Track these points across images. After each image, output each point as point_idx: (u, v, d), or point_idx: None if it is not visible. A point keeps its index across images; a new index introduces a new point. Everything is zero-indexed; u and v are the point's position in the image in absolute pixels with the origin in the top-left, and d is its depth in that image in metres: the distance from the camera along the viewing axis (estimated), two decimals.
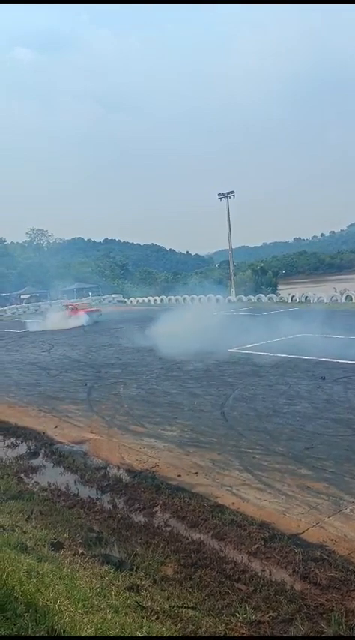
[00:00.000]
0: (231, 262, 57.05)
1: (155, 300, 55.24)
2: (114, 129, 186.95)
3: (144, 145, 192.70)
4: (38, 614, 2.67)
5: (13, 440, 11.35)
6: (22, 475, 9.25)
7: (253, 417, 11.61)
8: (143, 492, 8.13)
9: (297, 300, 45.20)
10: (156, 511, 7.53)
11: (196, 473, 8.72)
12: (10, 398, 15.14)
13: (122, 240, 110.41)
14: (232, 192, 54.49)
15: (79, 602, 4.21)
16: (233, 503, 7.50)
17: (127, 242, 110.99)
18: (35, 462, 9.93)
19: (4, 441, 11.36)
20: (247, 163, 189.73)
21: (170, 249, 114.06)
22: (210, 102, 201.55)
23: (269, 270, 64.18)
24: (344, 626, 4.66)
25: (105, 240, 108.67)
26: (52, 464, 9.84)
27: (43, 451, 10.50)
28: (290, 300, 45.81)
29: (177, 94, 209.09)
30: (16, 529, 6.35)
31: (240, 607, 5.10)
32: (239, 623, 4.84)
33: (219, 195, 54.94)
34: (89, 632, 3.16)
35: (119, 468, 9.28)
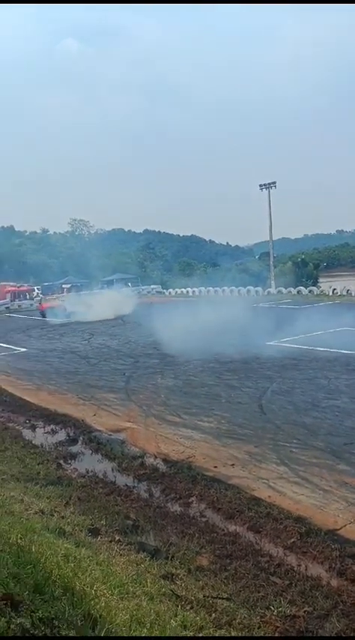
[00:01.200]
0: (271, 254, 56.50)
1: (194, 291, 55.21)
2: (156, 120, 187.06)
3: (185, 135, 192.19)
4: (75, 598, 2.71)
5: (52, 426, 11.56)
6: (61, 461, 9.42)
7: (291, 411, 11.50)
8: (179, 482, 8.17)
9: (338, 294, 44.40)
10: (192, 501, 7.56)
11: (232, 465, 8.70)
12: (50, 385, 15.43)
13: (162, 231, 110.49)
14: (274, 183, 53.92)
15: (115, 589, 4.27)
16: (269, 496, 7.46)
17: (167, 233, 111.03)
18: (74, 449, 10.10)
19: (44, 427, 11.58)
20: (290, 154, 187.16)
21: (209, 240, 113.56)
22: (254, 92, 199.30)
23: (310, 263, 63.16)
24: None
25: (145, 230, 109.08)
26: (90, 451, 9.99)
27: (81, 438, 10.67)
28: (331, 293, 45.06)
29: (220, 83, 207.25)
30: (55, 514, 6.47)
31: (275, 600, 5.07)
32: (273, 617, 4.81)
33: (261, 186, 54.44)
34: (124, 618, 3.19)
35: (156, 457, 9.35)
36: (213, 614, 4.69)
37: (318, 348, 18.52)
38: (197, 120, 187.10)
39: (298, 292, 47.73)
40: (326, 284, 51.52)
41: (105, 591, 3.98)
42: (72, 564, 3.93)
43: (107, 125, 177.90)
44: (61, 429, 11.37)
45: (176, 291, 57.36)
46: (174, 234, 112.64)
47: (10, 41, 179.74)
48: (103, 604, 3.34)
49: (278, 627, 4.67)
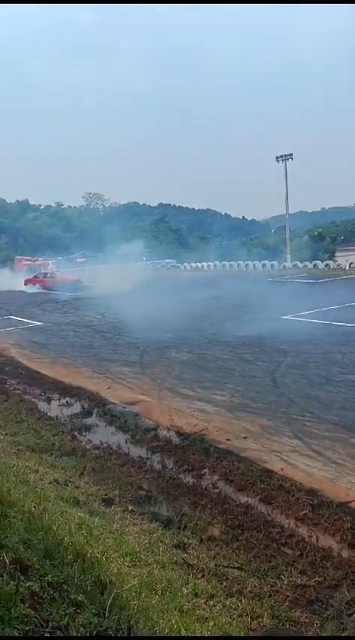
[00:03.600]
0: (287, 228, 55.89)
1: (209, 265, 54.98)
2: (171, 91, 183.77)
3: (201, 107, 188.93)
4: (86, 564, 2.75)
5: (67, 399, 11.67)
6: (76, 433, 9.53)
7: (305, 385, 11.48)
8: (192, 454, 8.24)
9: None
10: (205, 473, 7.62)
11: (245, 437, 8.74)
12: (65, 358, 15.55)
13: (177, 205, 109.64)
14: (291, 154, 53.14)
15: (126, 556, 4.35)
16: (281, 468, 7.49)
17: (182, 206, 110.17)
18: (88, 421, 10.21)
19: (59, 400, 11.71)
20: (308, 125, 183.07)
21: (225, 213, 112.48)
22: (272, 62, 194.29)
23: (327, 237, 62.25)
24: None
25: (160, 204, 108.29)
26: (104, 423, 10.09)
27: (96, 411, 10.77)
28: (347, 267, 44.60)
29: (237, 54, 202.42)
30: (69, 484, 6.57)
31: (286, 570, 5.13)
32: (284, 586, 4.88)
33: (277, 158, 53.66)
34: (134, 583, 3.25)
35: (169, 429, 9.42)
36: (224, 583, 4.77)
37: (334, 323, 18.41)
38: (214, 92, 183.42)
39: (314, 266, 47.32)
40: (343, 258, 50.89)
41: (116, 558, 4.05)
42: (84, 532, 3.99)
43: (122, 98, 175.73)
44: (76, 401, 11.48)
45: (191, 266, 57.17)
46: (190, 207, 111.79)
47: (28, 14, 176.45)
48: (114, 570, 3.40)
49: (288, 596, 4.74)
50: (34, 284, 38.23)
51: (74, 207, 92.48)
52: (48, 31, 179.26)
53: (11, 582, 2.09)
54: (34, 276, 39.81)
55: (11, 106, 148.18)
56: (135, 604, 2.73)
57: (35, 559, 2.44)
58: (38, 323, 22.86)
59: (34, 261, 51.40)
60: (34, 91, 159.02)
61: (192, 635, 3.20)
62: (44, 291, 36.29)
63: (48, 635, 1.87)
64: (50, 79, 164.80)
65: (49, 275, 39.48)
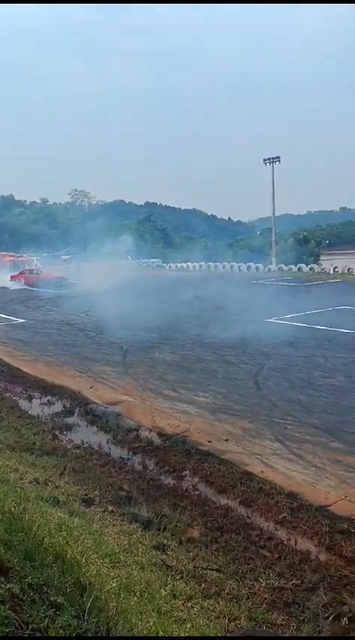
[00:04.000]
0: (273, 230, 56.09)
1: (194, 266, 55.05)
2: (161, 92, 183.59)
3: (189, 108, 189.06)
4: (65, 566, 2.76)
5: (49, 398, 11.62)
6: (57, 432, 9.50)
7: (287, 388, 11.57)
8: (173, 456, 8.26)
9: (340, 272, 44.34)
10: (186, 475, 7.65)
11: (227, 440, 8.78)
12: (47, 357, 15.46)
13: (163, 204, 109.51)
14: (278, 157, 53.31)
15: (106, 557, 4.35)
16: (262, 471, 7.54)
17: (168, 206, 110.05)
18: (70, 421, 10.17)
19: (40, 398, 11.64)
20: (295, 129, 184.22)
21: (211, 214, 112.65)
22: (261, 65, 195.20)
23: (313, 240, 62.76)
24: None
25: (147, 203, 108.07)
26: (86, 423, 10.07)
27: (77, 410, 10.74)
28: (332, 272, 44.99)
29: (227, 55, 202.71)
30: (49, 483, 6.55)
31: (264, 573, 5.18)
32: (262, 588, 4.92)
33: (265, 160, 53.81)
34: (113, 585, 3.25)
35: (151, 430, 9.43)
36: (203, 585, 4.79)
37: (317, 326, 18.55)
38: (202, 93, 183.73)
39: (299, 269, 47.63)
40: (327, 262, 51.33)
41: (96, 560, 4.05)
42: (64, 533, 3.99)
43: (110, 96, 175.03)
44: (58, 400, 11.44)
45: (176, 265, 57.21)
46: (176, 207, 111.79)
47: (26, 12, 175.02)
48: (94, 572, 3.41)
49: (266, 599, 4.78)
50: (20, 280, 38.12)
51: (60, 203, 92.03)
52: (45, 26, 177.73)
53: None
54: (20, 272, 39.62)
55: (2, 101, 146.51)
56: (113, 605, 2.74)
57: (16, 560, 2.44)
58: (21, 320, 22.70)
59: (18, 257, 50.97)
60: (25, 86, 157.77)
61: (169, 635, 3.21)
62: (28, 287, 36.11)
63: (27, 635, 1.87)
64: (44, 75, 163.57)
65: (34, 272, 39.27)
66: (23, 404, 11.25)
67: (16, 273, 39.82)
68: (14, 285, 37.27)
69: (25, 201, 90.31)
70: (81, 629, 2.14)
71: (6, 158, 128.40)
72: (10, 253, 52.41)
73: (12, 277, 38.77)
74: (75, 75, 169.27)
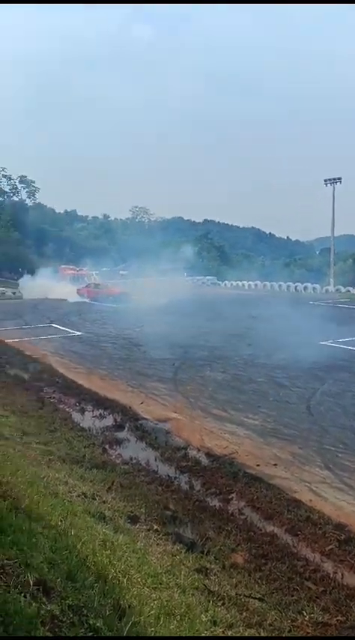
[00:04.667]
0: (332, 250, 55.23)
1: (249, 285, 54.80)
2: (220, 110, 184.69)
3: (250, 126, 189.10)
4: (106, 587, 2.80)
5: (101, 411, 11.80)
6: (107, 446, 9.62)
7: (340, 414, 11.30)
8: (220, 477, 8.20)
9: None
10: (232, 498, 7.58)
11: (275, 464, 8.66)
12: (101, 370, 15.75)
13: (221, 222, 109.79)
14: (339, 178, 52.70)
15: (148, 578, 4.36)
16: (310, 500, 7.39)
17: (226, 224, 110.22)
18: (120, 435, 10.29)
19: (92, 411, 11.85)
20: None
21: (270, 232, 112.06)
22: (324, 84, 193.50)
23: None
24: None
25: (205, 220, 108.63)
26: (135, 438, 10.16)
27: (128, 425, 10.85)
28: None
29: (287, 73, 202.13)
30: (97, 498, 6.63)
31: (308, 606, 5.05)
32: (305, 622, 4.80)
33: (326, 180, 53.32)
34: (154, 609, 3.27)
35: (199, 450, 9.41)
36: (244, 613, 4.72)
37: None
38: (262, 112, 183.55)
39: None
40: None
41: (138, 579, 4.08)
42: (108, 551, 4.04)
43: (170, 113, 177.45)
44: (109, 414, 11.60)
45: (231, 284, 57.11)
46: (234, 225, 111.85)
47: (84, 24, 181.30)
48: (135, 593, 3.43)
49: (308, 633, 4.66)
50: (84, 294, 39.08)
51: (120, 219, 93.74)
52: (98, 45, 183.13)
53: (33, 604, 2.15)
54: (85, 286, 40.63)
55: (61, 120, 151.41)
56: (152, 630, 2.76)
57: (58, 580, 2.50)
58: (78, 333, 23.23)
59: (78, 270, 52.28)
60: (83, 105, 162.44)
61: None
62: (92, 301, 36.89)
63: (49, 635, 1.91)
64: (100, 94, 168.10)
65: (99, 286, 40.11)
66: (76, 416, 11.48)
67: (82, 287, 40.78)
68: (75, 298, 38.17)
69: (88, 216, 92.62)
70: None
71: (71, 175, 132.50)
72: (71, 266, 53.85)
73: (78, 291, 39.78)
74: (132, 94, 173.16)
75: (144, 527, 6.23)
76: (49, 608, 2.21)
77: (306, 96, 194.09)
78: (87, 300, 37.51)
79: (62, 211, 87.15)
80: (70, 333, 23.27)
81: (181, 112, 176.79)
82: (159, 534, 6.08)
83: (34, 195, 75.91)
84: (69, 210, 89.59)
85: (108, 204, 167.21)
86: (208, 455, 9.16)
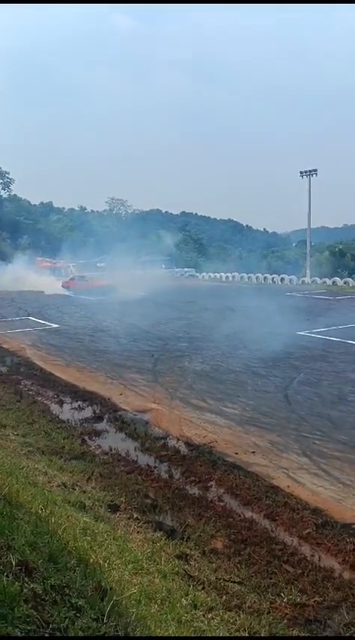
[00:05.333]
0: (308, 243, 55.69)
1: (227, 277, 55.06)
2: (199, 102, 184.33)
3: (228, 119, 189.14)
4: (88, 570, 2.83)
5: (79, 403, 11.78)
6: (86, 437, 9.62)
7: (317, 403, 11.47)
8: (200, 466, 8.28)
9: None
10: (211, 485, 7.65)
11: (254, 452, 8.76)
12: (79, 362, 15.70)
13: (199, 214, 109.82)
14: (315, 170, 53.08)
15: (129, 564, 4.41)
16: (288, 486, 7.50)
17: (204, 216, 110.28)
18: (99, 426, 10.29)
19: (71, 403, 11.82)
20: (333, 141, 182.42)
21: (247, 225, 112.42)
22: (301, 78, 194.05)
23: (348, 254, 61.88)
24: None
25: (182, 212, 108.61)
26: (114, 429, 10.17)
27: (107, 416, 10.86)
28: None
29: (269, 67, 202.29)
30: (76, 488, 6.65)
31: (286, 588, 5.15)
32: (283, 604, 4.89)
33: (301, 172, 53.63)
34: (134, 592, 3.31)
35: (178, 439, 9.47)
36: (224, 597, 4.80)
37: (349, 341, 18.33)
38: (240, 104, 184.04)
39: (333, 283, 47.10)
40: None
41: (119, 565, 4.12)
42: (88, 537, 4.07)
43: (150, 105, 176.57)
44: (88, 405, 11.58)
45: (209, 276, 57.29)
46: (212, 217, 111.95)
47: (65, 16, 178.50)
48: (116, 577, 3.47)
49: (287, 614, 4.75)
50: (69, 287, 38.40)
51: (97, 211, 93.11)
52: (82, 36, 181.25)
53: (16, 583, 2.17)
54: (71, 279, 39.95)
55: (36, 111, 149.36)
56: (133, 612, 2.80)
57: (40, 562, 2.53)
58: (55, 325, 23.09)
59: (54, 263, 51.87)
60: (64, 96, 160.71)
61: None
62: (76, 294, 36.21)
63: (47, 635, 1.94)
64: (82, 84, 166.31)
65: (85, 278, 39.47)
66: (54, 408, 11.44)
67: (67, 279, 40.11)
68: (52, 291, 37.61)
69: (64, 208, 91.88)
70: (99, 632, 2.21)
71: (47, 166, 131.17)
72: (47, 259, 53.40)
73: (63, 283, 39.10)
74: (113, 84, 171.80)
75: (125, 515, 6.27)
76: (31, 587, 2.23)
77: (284, 88, 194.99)
78: (71, 294, 36.84)
79: (38, 203, 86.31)
80: (47, 325, 23.11)
81: (159, 103, 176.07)
82: (139, 522, 6.12)
83: (8, 187, 74.89)
84: (45, 202, 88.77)
85: (85, 195, 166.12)
86: (187, 444, 9.22)
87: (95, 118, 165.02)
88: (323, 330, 20.79)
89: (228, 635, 4.09)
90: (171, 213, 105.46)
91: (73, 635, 2.08)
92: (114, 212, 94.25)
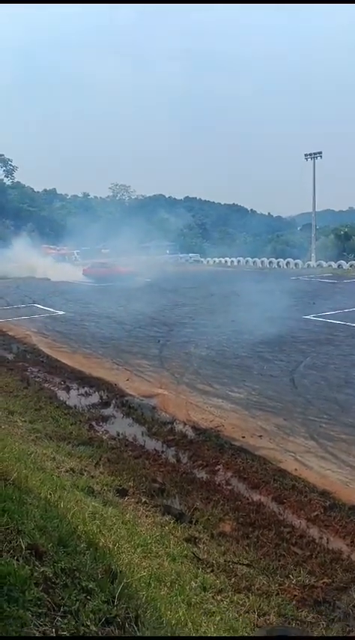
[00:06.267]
0: (313, 226, 55.30)
1: (232, 261, 54.88)
2: (204, 89, 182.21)
3: (231, 104, 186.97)
4: (98, 553, 2.84)
5: (86, 389, 11.81)
6: (94, 423, 9.66)
7: (323, 386, 11.46)
8: (207, 450, 8.30)
9: None
10: (219, 469, 7.68)
11: (261, 436, 8.78)
12: (85, 349, 15.72)
13: (203, 199, 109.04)
14: (319, 153, 52.51)
15: (138, 547, 4.43)
16: (295, 469, 7.52)
17: (208, 201, 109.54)
18: (106, 412, 10.33)
19: (78, 389, 11.85)
20: (337, 124, 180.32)
21: (251, 209, 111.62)
22: (305, 62, 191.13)
23: (354, 236, 61.49)
24: None
25: (187, 198, 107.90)
26: (121, 415, 10.20)
27: (114, 402, 10.89)
28: None
29: (271, 53, 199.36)
30: (85, 473, 6.68)
31: (295, 570, 5.18)
32: (292, 585, 4.93)
33: (306, 155, 53.09)
34: (144, 574, 3.33)
35: (185, 424, 9.50)
36: (233, 579, 4.84)
37: None
38: (244, 89, 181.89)
39: (339, 266, 46.84)
40: None
41: (128, 549, 4.14)
42: (98, 521, 4.09)
43: (152, 92, 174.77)
44: (95, 391, 11.62)
45: (214, 261, 57.11)
46: (216, 202, 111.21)
47: (69, 13, 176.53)
48: (125, 560, 3.49)
49: (296, 596, 4.78)
50: (91, 274, 37.07)
51: (100, 197, 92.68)
52: (84, 27, 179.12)
53: (26, 566, 2.18)
54: (91, 266, 38.76)
55: (40, 98, 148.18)
56: (143, 594, 2.81)
57: (50, 545, 2.54)
58: (60, 312, 23.10)
59: (58, 250, 51.80)
60: (66, 84, 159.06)
61: (198, 627, 3.27)
62: (98, 283, 34.79)
63: (53, 635, 1.95)
64: (84, 74, 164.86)
65: (106, 265, 38.36)
66: (61, 394, 11.48)
67: (87, 266, 38.85)
68: (87, 279, 36.24)
69: (67, 194, 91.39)
70: (110, 614, 2.22)
71: (50, 153, 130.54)
72: (51, 246, 53.31)
73: (84, 271, 37.87)
74: (116, 75, 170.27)
75: (133, 500, 6.31)
76: (42, 570, 2.24)
77: (287, 72, 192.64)
78: (92, 282, 35.14)
79: (41, 190, 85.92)
80: (53, 312, 23.13)
81: (162, 89, 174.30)
82: (147, 506, 6.16)
83: (11, 174, 74.61)
84: (48, 189, 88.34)
85: (88, 182, 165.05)
86: (194, 428, 9.25)
87: (98, 106, 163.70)
88: (329, 313, 20.72)
89: (236, 615, 4.13)
90: (174, 199, 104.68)
91: (84, 618, 2.09)
92: (117, 198, 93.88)
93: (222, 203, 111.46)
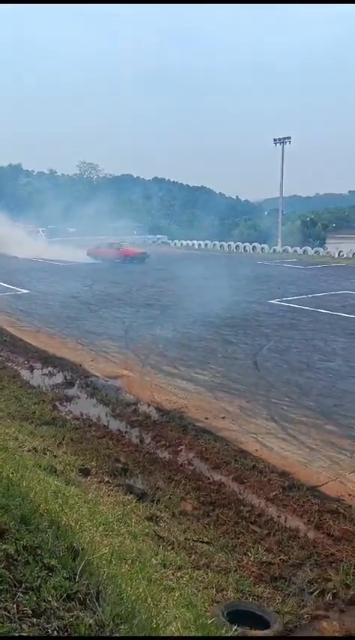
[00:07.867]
0: (280, 211, 55.75)
1: (199, 244, 54.98)
2: (172, 65, 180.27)
3: (201, 83, 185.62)
4: (60, 531, 2.87)
5: (50, 369, 11.72)
6: (57, 403, 9.61)
7: (285, 369, 11.67)
8: (170, 431, 8.39)
9: (344, 256, 44.24)
10: (181, 450, 7.77)
11: (223, 417, 8.91)
12: (50, 328, 15.57)
13: (171, 180, 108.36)
14: (288, 137, 52.84)
15: (100, 526, 4.49)
16: (256, 450, 7.67)
17: (176, 182, 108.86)
18: (70, 392, 10.29)
19: (41, 369, 11.76)
20: (307, 109, 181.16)
21: (219, 192, 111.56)
22: (274, 43, 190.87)
23: (319, 223, 62.28)
24: (351, 577, 4.81)
25: (155, 178, 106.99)
26: (85, 395, 10.19)
27: (78, 382, 10.85)
28: (336, 256, 44.87)
29: (240, 31, 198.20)
30: (48, 452, 6.68)
31: (253, 547, 5.32)
32: (250, 562, 5.06)
33: (275, 140, 53.32)
34: (105, 552, 3.38)
35: (149, 405, 9.56)
36: (193, 556, 4.94)
37: (319, 310, 18.60)
38: (214, 68, 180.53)
39: (304, 252, 47.54)
40: (333, 245, 51.05)
41: (90, 527, 4.19)
42: (60, 500, 4.11)
43: (123, 70, 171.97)
44: (59, 372, 11.55)
45: (182, 243, 57.08)
46: (184, 184, 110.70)
47: None
48: (87, 539, 3.53)
49: (253, 572, 4.92)
50: (98, 255, 35.42)
51: (67, 175, 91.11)
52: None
53: None
54: (97, 247, 36.93)
55: (9, 70, 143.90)
56: (105, 571, 2.86)
57: (12, 523, 2.55)
58: (25, 291, 22.78)
59: (24, 227, 50.77)
60: (35, 60, 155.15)
61: (158, 602, 3.35)
62: (106, 262, 33.45)
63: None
64: (51, 44, 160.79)
65: (114, 245, 36.63)
66: (25, 374, 11.37)
67: (92, 247, 37.06)
68: (90, 260, 34.74)
69: (33, 171, 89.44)
70: (71, 590, 2.25)
71: (15, 126, 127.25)
72: (16, 223, 52.20)
73: (89, 251, 36.00)
74: (84, 45, 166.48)
75: (96, 479, 6.35)
76: (3, 548, 2.26)
77: (259, 52, 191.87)
78: (98, 262, 33.42)
79: (6, 165, 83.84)
80: (17, 291, 22.77)
81: (132, 65, 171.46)
82: (110, 486, 6.21)
83: None
84: (13, 164, 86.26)
85: (55, 159, 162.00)
86: (158, 410, 9.32)
87: (66, 80, 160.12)
88: (293, 298, 21.04)
89: (195, 591, 4.24)
90: (143, 179, 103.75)
91: (45, 594, 2.12)
92: (85, 176, 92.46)
93: (191, 185, 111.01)
